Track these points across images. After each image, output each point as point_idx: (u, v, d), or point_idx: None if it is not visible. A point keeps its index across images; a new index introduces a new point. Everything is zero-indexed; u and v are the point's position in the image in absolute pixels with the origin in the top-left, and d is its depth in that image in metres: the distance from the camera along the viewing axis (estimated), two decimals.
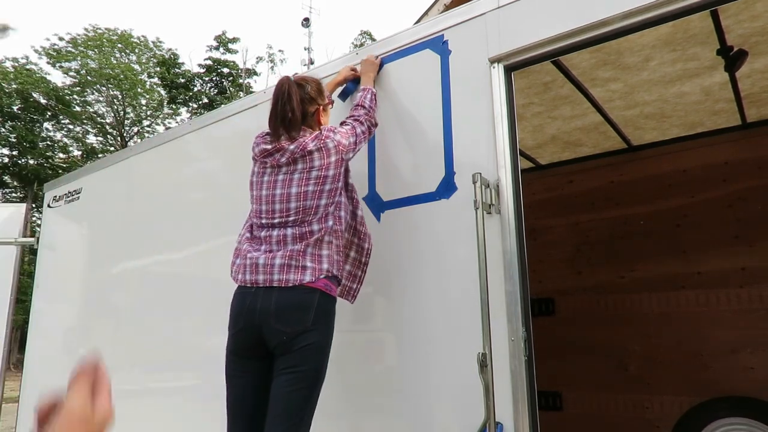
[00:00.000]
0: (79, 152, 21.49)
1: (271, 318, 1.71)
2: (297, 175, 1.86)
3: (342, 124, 2.04)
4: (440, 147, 2.03)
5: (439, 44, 2.12)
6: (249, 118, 2.81)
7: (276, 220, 1.85)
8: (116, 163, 3.65)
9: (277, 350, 1.72)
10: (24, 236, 4.18)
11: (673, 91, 2.82)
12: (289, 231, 1.82)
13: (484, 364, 1.66)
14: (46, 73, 19.99)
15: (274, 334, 1.71)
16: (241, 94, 20.91)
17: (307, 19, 19.19)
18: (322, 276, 1.77)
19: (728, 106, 3.01)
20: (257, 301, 1.75)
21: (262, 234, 1.87)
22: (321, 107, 2.02)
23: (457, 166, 1.97)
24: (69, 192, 3.98)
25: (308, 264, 1.76)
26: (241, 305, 1.78)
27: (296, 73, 2.22)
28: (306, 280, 1.74)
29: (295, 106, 1.91)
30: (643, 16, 1.68)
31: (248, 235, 1.94)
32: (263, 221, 1.88)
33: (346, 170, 1.99)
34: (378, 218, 2.16)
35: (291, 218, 1.83)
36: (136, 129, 22.69)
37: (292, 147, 1.87)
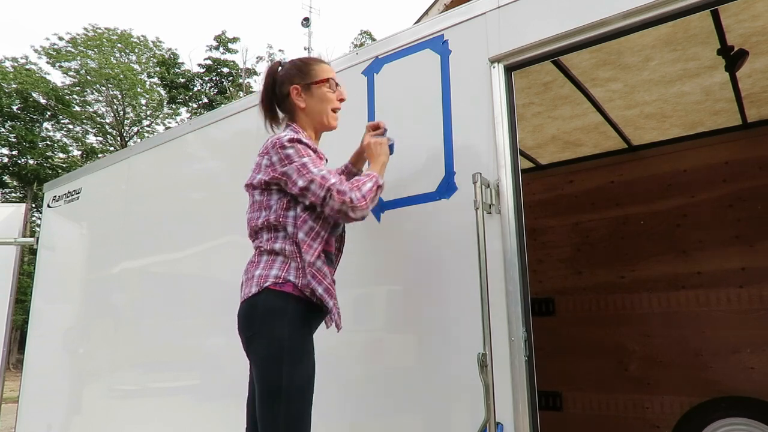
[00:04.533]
0: (79, 152, 21.50)
1: (238, 327, 1.68)
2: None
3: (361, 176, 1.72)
4: (440, 147, 2.03)
5: (439, 44, 2.12)
6: (249, 118, 2.81)
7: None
8: (116, 163, 3.65)
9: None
10: (23, 236, 4.18)
11: (673, 91, 2.82)
12: (255, 239, 1.74)
13: (484, 364, 1.66)
14: (45, 73, 20.06)
15: (243, 344, 1.66)
16: (241, 94, 20.91)
17: (307, 19, 19.17)
18: (266, 283, 1.58)
19: (728, 106, 3.00)
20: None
21: None
22: (297, 86, 1.76)
23: (457, 166, 1.97)
24: (68, 192, 3.98)
25: (256, 272, 1.63)
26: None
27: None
28: (252, 292, 1.59)
29: (268, 88, 1.80)
30: (643, 16, 1.68)
31: None
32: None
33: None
34: (378, 218, 2.16)
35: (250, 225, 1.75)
36: (135, 129, 22.69)
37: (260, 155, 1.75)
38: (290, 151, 1.63)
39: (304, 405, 1.54)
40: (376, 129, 1.95)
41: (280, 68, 1.83)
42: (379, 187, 1.71)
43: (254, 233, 1.73)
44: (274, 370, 1.51)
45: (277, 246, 1.64)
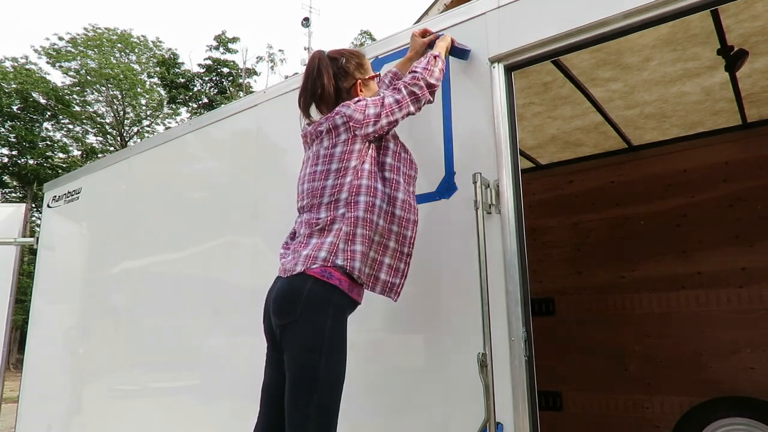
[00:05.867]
0: (79, 152, 21.50)
1: (271, 308, 1.65)
2: (312, 153, 1.78)
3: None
4: (440, 147, 2.03)
5: None
6: (249, 118, 2.81)
7: (298, 204, 1.79)
8: (116, 163, 3.65)
9: (281, 346, 1.62)
10: (23, 236, 4.18)
11: (673, 91, 2.82)
12: (305, 216, 1.72)
13: (484, 364, 1.66)
14: (45, 73, 20.04)
15: (274, 327, 1.64)
16: (241, 94, 20.91)
17: (307, 19, 19.18)
18: (314, 266, 1.58)
19: (728, 106, 3.01)
20: (272, 289, 1.71)
21: (296, 220, 1.81)
22: (359, 81, 1.85)
23: (457, 166, 1.97)
24: (68, 192, 3.98)
25: (304, 252, 1.63)
26: (267, 294, 1.75)
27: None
28: (297, 270, 1.59)
29: (326, 81, 1.79)
30: (643, 16, 1.68)
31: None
32: (297, 205, 1.81)
33: (382, 148, 1.78)
34: None
35: (305, 201, 1.74)
36: (135, 129, 22.70)
37: (317, 124, 1.79)
38: (361, 101, 1.75)
39: (336, 397, 1.56)
40: (425, 35, 2.10)
41: (331, 60, 1.85)
42: (436, 57, 1.87)
43: (310, 195, 1.71)
44: (311, 359, 1.52)
45: (337, 228, 1.64)
